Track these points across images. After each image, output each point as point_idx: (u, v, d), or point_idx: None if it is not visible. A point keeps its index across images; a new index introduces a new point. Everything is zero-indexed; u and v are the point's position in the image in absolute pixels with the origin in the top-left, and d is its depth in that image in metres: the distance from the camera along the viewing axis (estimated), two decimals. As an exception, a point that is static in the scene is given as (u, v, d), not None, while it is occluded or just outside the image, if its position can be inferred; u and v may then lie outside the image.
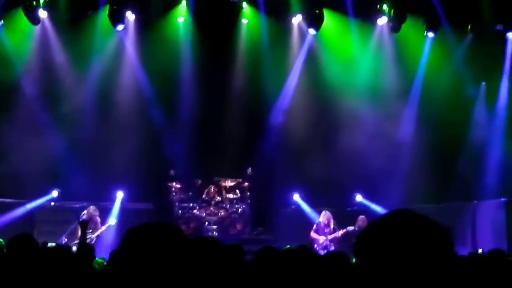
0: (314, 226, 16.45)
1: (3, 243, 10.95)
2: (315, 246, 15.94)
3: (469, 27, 18.15)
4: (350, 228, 16.35)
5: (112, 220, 16.19)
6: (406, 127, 18.86)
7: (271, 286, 4.90)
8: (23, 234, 5.77)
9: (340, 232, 16.24)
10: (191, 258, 2.69)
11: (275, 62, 19.23)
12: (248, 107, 19.35)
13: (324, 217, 16.40)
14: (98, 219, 16.05)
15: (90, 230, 15.70)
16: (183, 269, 2.56)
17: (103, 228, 15.92)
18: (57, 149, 17.88)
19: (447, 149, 18.46)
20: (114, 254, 5.60)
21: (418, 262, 2.13)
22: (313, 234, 16.26)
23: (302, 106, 19.44)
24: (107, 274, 5.62)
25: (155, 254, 2.52)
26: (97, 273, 5.93)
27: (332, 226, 16.33)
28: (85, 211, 16.03)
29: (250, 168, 18.32)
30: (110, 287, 4.41)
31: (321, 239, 16.12)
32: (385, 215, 2.26)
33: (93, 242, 15.47)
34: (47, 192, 17.71)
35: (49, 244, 12.23)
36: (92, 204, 16.50)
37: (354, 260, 10.09)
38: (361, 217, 16.66)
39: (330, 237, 16.16)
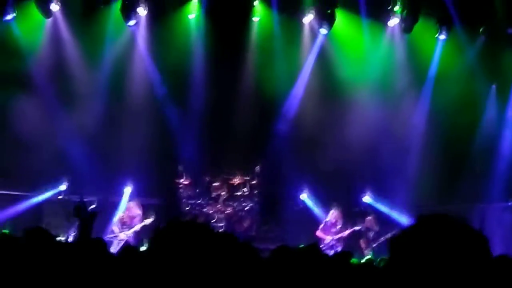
0: (321, 225, 16.44)
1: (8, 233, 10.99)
2: (321, 245, 15.91)
3: (481, 29, 18.09)
4: (357, 227, 16.36)
5: (148, 219, 15.99)
6: (416, 127, 18.80)
7: (287, 284, 4.89)
8: (37, 227, 5.75)
9: (346, 232, 16.24)
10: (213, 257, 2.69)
11: (286, 59, 19.18)
12: (258, 105, 19.32)
13: (332, 215, 16.39)
14: (137, 214, 15.93)
15: (125, 226, 15.71)
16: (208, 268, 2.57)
17: (139, 226, 15.80)
18: (67, 142, 17.89)
19: (456, 150, 18.37)
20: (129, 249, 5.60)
21: (456, 266, 2.13)
22: (319, 233, 16.27)
23: (313, 104, 19.41)
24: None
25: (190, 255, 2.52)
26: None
27: (339, 225, 16.31)
28: (93, 205, 15.99)
29: (258, 166, 18.33)
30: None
31: (328, 238, 16.12)
32: (422, 219, 2.25)
33: (127, 238, 15.46)
34: (55, 185, 17.73)
35: (58, 239, 12.27)
36: (99, 197, 16.56)
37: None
38: (369, 218, 16.67)
39: (336, 236, 16.15)
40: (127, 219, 15.74)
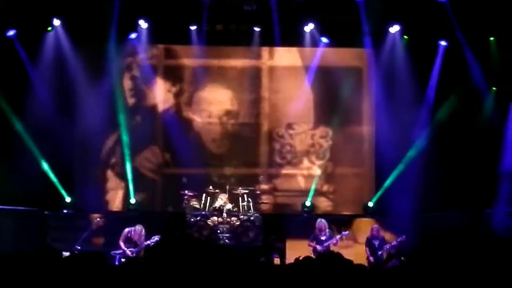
0: (311, 236, 16.52)
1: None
2: (313, 255, 15.92)
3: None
4: (345, 232, 16.48)
5: (155, 237, 15.97)
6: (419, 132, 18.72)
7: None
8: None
9: (335, 239, 16.34)
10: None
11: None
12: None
13: (318, 225, 16.50)
14: (143, 235, 16.02)
15: (131, 244, 15.76)
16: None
17: (146, 243, 15.82)
18: (69, 159, 18.02)
19: (460, 155, 18.20)
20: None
21: None
22: (310, 243, 16.34)
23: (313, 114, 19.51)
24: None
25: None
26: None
27: (327, 233, 16.41)
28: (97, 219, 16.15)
29: (262, 176, 18.53)
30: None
31: (318, 247, 16.18)
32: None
33: (132, 256, 15.56)
34: (59, 200, 17.82)
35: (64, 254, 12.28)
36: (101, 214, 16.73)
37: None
38: (375, 226, 16.69)
39: (326, 244, 16.22)
40: (133, 237, 15.78)
